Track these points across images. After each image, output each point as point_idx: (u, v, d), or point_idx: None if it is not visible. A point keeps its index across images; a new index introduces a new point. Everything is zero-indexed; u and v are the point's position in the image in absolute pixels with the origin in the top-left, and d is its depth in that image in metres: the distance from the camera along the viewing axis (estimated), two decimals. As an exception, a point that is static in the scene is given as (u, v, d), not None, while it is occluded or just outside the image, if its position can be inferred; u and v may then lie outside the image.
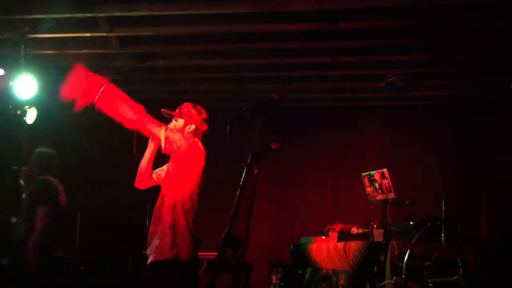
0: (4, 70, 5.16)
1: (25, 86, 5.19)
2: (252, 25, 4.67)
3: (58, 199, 4.64)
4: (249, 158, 2.92)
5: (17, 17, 4.54)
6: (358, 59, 5.43)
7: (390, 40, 4.94)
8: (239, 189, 2.82)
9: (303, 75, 6.02)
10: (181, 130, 3.57)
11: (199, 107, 3.67)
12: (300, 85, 6.33)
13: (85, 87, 3.31)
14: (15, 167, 4.96)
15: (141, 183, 3.69)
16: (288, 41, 5.04)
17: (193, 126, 3.58)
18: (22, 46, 4.94)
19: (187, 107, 3.64)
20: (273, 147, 3.15)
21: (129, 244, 6.21)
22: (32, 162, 4.79)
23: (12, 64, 5.11)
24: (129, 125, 3.30)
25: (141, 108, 3.35)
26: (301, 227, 6.91)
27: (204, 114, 3.65)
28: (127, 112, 3.29)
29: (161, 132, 3.40)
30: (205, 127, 3.64)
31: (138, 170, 3.67)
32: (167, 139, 3.40)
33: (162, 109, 3.62)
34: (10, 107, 5.49)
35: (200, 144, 3.57)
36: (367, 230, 4.70)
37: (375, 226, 4.58)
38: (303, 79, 6.17)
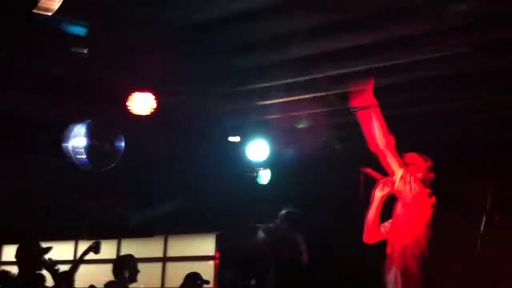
0: (239, 136, 5.72)
1: (258, 149, 5.66)
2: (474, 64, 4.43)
3: (300, 256, 4.88)
4: (488, 203, 2.76)
5: (249, 87, 5.01)
6: None
7: None
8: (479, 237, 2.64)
9: None
10: (409, 180, 3.51)
11: (425, 156, 3.61)
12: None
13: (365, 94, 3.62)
14: (260, 225, 5.37)
15: (370, 237, 3.69)
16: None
17: (420, 175, 3.52)
18: (253, 114, 5.42)
19: (412, 156, 3.61)
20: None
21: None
22: (280, 220, 5.13)
23: (245, 130, 5.64)
24: (375, 149, 3.45)
25: (392, 140, 3.40)
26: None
27: (430, 162, 3.57)
28: (380, 137, 3.43)
29: (399, 171, 3.39)
30: (432, 175, 3.54)
31: (366, 224, 3.68)
32: (403, 178, 3.37)
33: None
34: (247, 170, 6.02)
35: (429, 192, 3.47)
36: None
37: None
38: None
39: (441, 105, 5.35)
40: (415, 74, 4.67)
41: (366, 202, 3.77)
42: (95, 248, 5.49)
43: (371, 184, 3.77)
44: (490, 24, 3.79)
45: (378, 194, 3.66)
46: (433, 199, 3.44)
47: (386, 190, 3.63)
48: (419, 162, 3.59)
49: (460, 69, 4.54)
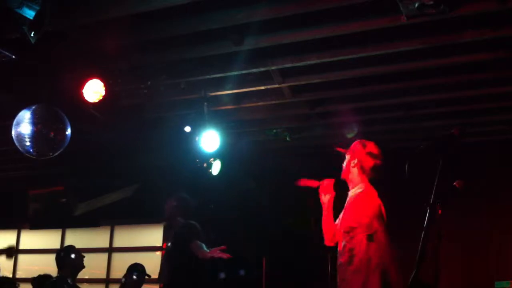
0: (190, 127, 5.66)
1: (209, 140, 5.62)
2: (423, 61, 4.53)
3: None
4: (432, 198, 2.79)
5: (200, 78, 4.96)
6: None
7: None
8: (423, 232, 2.70)
9: (483, 107, 5.64)
10: (347, 166, 3.56)
11: (366, 142, 3.59)
12: (480, 119, 5.93)
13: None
14: None
15: (329, 240, 3.68)
16: (463, 73, 4.79)
17: (356, 161, 3.52)
18: (205, 104, 5.37)
19: (354, 143, 3.63)
20: (457, 185, 2.97)
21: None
22: (180, 229, 5.14)
23: (197, 121, 5.58)
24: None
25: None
26: (495, 270, 6.34)
27: (370, 148, 3.54)
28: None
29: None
30: (370, 162, 3.51)
31: (323, 228, 3.69)
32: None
33: (336, 147, 3.66)
34: (197, 160, 5.97)
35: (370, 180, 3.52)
36: None
37: None
38: (483, 111, 5.78)
39: (391, 100, 5.45)
40: (367, 70, 4.74)
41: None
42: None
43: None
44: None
45: (324, 198, 3.69)
46: (374, 191, 3.44)
47: (330, 193, 3.67)
48: (358, 148, 3.56)
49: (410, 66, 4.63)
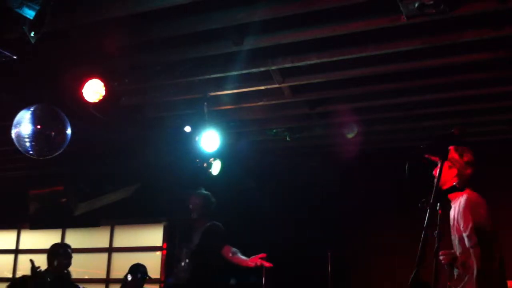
0: (190, 127, 5.66)
1: (209, 140, 5.62)
2: (423, 61, 4.53)
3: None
4: (432, 198, 2.79)
5: (200, 78, 4.95)
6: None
7: None
8: (423, 232, 2.70)
9: (483, 107, 5.64)
10: (444, 174, 3.55)
11: (461, 149, 3.60)
12: (480, 118, 5.93)
13: None
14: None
15: None
16: (463, 73, 4.79)
17: (455, 171, 3.53)
18: (205, 104, 5.37)
19: (450, 150, 3.57)
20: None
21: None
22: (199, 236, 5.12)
23: (197, 121, 5.58)
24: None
25: None
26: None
27: (468, 157, 3.58)
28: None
29: None
30: (468, 171, 3.56)
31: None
32: None
33: (426, 155, 3.64)
34: (197, 160, 5.97)
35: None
36: None
37: None
38: (483, 111, 5.78)
39: (391, 100, 5.45)
40: (367, 70, 4.74)
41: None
42: None
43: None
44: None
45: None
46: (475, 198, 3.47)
47: None
48: (456, 158, 3.58)
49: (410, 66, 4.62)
